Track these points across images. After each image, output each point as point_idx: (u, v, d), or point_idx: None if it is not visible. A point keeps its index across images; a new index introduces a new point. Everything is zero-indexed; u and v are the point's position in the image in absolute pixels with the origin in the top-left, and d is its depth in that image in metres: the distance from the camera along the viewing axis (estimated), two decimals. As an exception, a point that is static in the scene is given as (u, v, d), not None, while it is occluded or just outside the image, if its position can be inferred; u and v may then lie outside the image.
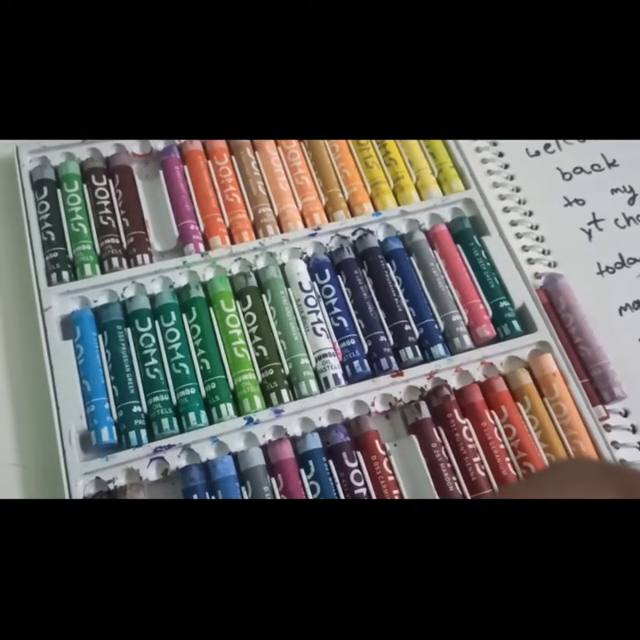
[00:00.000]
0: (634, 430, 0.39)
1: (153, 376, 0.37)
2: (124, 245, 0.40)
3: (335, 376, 0.38)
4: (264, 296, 0.40)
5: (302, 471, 0.35)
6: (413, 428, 0.38)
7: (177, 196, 0.42)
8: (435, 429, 0.37)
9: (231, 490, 0.34)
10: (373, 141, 0.45)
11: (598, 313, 0.41)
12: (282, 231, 0.42)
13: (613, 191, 0.47)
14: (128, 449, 0.35)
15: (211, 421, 0.36)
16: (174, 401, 0.36)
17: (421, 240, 0.42)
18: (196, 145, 0.43)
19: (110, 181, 0.42)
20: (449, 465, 0.36)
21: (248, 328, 0.39)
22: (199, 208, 0.42)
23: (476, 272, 0.41)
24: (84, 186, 0.42)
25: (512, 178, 0.47)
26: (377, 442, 0.36)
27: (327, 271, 0.40)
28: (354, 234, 0.42)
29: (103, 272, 0.39)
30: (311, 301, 0.39)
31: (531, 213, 0.46)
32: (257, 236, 0.41)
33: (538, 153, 0.48)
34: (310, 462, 0.35)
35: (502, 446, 0.37)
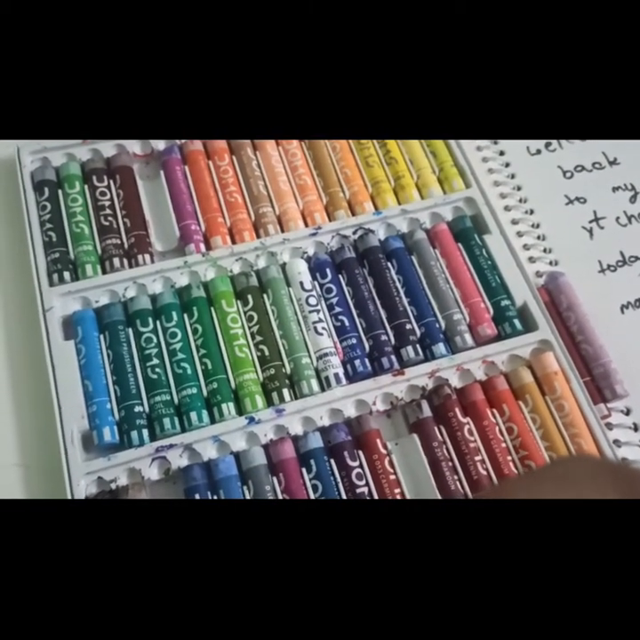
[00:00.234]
0: (636, 428, 0.39)
1: (154, 376, 0.37)
2: (126, 246, 0.40)
3: (336, 375, 0.38)
4: (265, 295, 0.40)
5: (304, 470, 0.35)
6: (415, 426, 0.38)
7: (178, 196, 0.42)
8: (436, 428, 0.37)
9: (233, 489, 0.35)
10: (374, 140, 0.45)
11: (600, 311, 0.41)
12: (283, 231, 0.42)
13: (615, 189, 0.47)
14: (130, 449, 0.35)
15: (212, 421, 0.36)
16: (176, 401, 0.36)
17: (422, 239, 0.42)
18: (197, 145, 0.43)
19: (111, 182, 0.42)
20: (450, 464, 0.36)
21: (249, 328, 0.39)
22: (200, 208, 0.42)
23: (477, 271, 0.41)
24: (85, 186, 0.42)
25: (513, 176, 0.47)
26: (378, 441, 0.36)
27: (328, 270, 0.40)
28: (355, 233, 0.42)
29: (104, 272, 0.40)
30: (312, 301, 0.40)
31: (532, 212, 0.45)
32: (258, 236, 0.41)
33: (539, 151, 0.48)
34: (312, 461, 0.36)
35: (504, 445, 0.37)
